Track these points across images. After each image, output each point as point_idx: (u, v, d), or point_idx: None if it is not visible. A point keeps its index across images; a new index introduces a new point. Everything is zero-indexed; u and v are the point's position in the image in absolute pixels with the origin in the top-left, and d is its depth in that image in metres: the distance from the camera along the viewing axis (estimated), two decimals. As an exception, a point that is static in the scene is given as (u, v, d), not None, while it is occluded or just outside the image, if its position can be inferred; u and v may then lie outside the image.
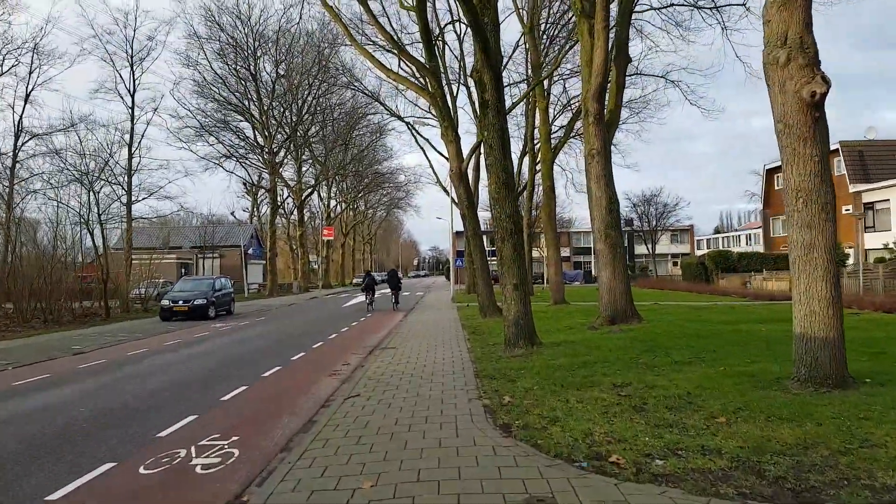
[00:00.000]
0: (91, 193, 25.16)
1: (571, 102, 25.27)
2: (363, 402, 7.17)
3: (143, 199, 34.66)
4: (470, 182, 18.46)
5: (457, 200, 18.35)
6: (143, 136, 38.54)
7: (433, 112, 20.86)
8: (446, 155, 36.93)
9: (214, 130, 40.64)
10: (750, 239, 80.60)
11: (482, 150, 10.04)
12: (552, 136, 22.82)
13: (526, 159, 31.91)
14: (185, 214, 51.38)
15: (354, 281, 66.85)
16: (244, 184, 49.79)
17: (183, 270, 47.84)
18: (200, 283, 24.12)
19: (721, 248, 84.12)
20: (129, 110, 34.27)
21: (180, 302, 22.43)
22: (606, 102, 14.53)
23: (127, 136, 34.17)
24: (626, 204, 59.35)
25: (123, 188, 34.10)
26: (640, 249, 64.04)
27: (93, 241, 24.38)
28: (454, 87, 26.79)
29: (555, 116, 27.27)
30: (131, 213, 34.37)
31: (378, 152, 57.23)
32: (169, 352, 13.72)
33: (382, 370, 9.47)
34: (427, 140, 37.74)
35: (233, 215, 59.49)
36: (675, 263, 64.47)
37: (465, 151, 18.81)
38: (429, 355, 10.87)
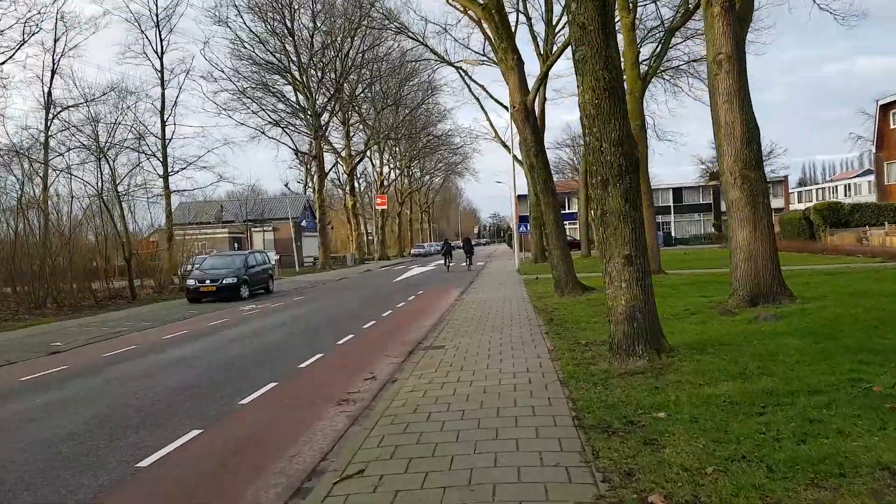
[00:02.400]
0: (106, 164, 22.63)
1: (664, 22, 20.30)
2: (366, 490, 3.58)
3: (181, 169, 32.26)
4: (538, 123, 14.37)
5: (521, 147, 14.29)
6: (175, 102, 35.93)
7: (489, 41, 16.70)
8: (504, 103, 32.53)
9: (254, 95, 37.82)
10: (849, 189, 71.62)
11: (570, 37, 5.93)
12: (640, 63, 18.17)
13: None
14: (236, 188, 49.32)
15: (413, 252, 63.95)
16: (295, 152, 47.19)
17: (235, 245, 46.17)
18: (232, 258, 21.35)
19: (816, 200, 75.42)
20: (159, 74, 31.81)
21: (207, 281, 19.72)
22: (740, -17, 10.02)
23: (158, 104, 31.80)
24: (714, 153, 52.80)
25: (159, 159, 31.94)
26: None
27: (111, 216, 21.93)
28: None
29: (643, 38, 22.27)
30: (169, 185, 32.19)
31: (431, 113, 53.27)
32: (151, 353, 10.65)
33: (417, 399, 5.86)
34: (483, 87, 33.26)
35: (286, 187, 57.48)
36: (766, 221, 57.50)
37: (531, 83, 14.64)
38: (490, 365, 7.15)
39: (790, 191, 69.07)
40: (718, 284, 14.85)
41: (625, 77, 30.10)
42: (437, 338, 9.73)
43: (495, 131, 34.60)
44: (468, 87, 32.00)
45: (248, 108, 38.11)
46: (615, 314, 6.56)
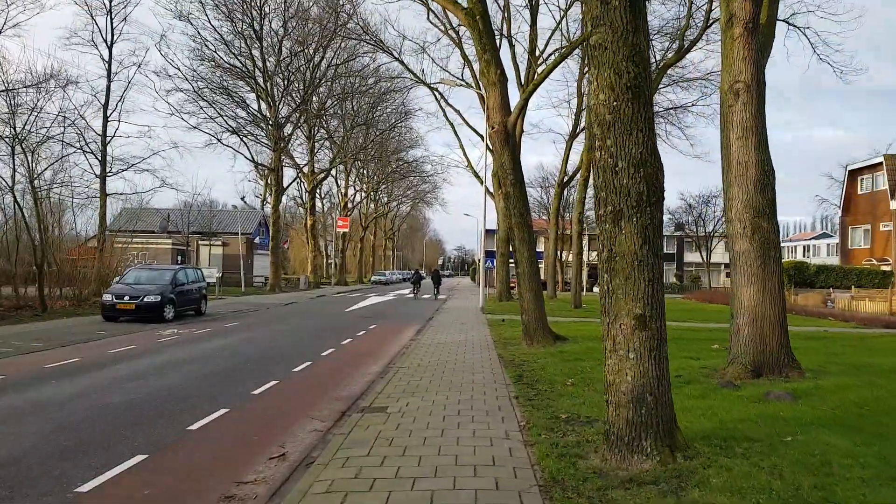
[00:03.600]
0: (23, 155, 19.99)
1: (656, 60, 19.32)
2: None
3: (121, 171, 29.59)
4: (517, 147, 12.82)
5: (498, 173, 12.71)
6: (122, 97, 33.50)
7: (468, 64, 15.24)
8: (480, 131, 31.25)
9: (213, 98, 35.55)
10: (807, 251, 73.09)
11: (585, 15, 4.19)
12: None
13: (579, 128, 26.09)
14: (183, 196, 46.44)
15: (373, 279, 61.68)
16: (254, 164, 44.77)
17: (179, 258, 43.19)
18: (160, 273, 18.91)
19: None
20: (106, 65, 29.32)
21: (126, 298, 17.25)
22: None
23: (102, 96, 29.22)
24: (681, 204, 52.75)
25: (96, 157, 29.24)
26: (691, 257, 57.38)
27: (22, 214, 19.30)
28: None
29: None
30: (105, 187, 29.44)
31: (403, 137, 51.90)
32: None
33: (331, 511, 3.94)
34: (458, 112, 31.92)
35: (243, 200, 54.80)
36: (728, 274, 57.74)
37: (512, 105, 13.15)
38: (443, 450, 5.29)
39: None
40: (701, 343, 13.43)
41: None
42: (381, 394, 7.82)
43: (468, 160, 33.36)
44: (443, 111, 31.01)
45: (205, 112, 35.83)
46: (617, 393, 4.83)
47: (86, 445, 5.65)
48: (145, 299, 17.23)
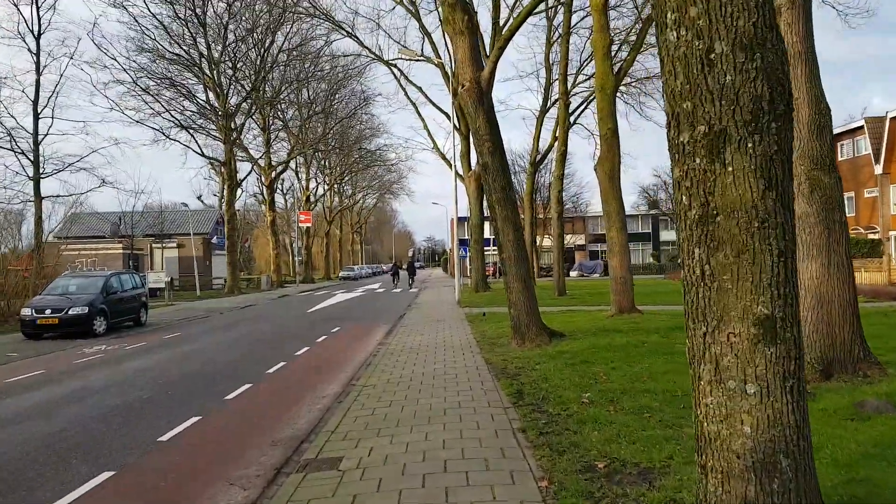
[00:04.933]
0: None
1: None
2: None
3: (57, 171, 26.62)
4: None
5: (473, 140, 10.60)
6: (55, 92, 30.20)
7: (427, 37, 13.02)
8: (444, 109, 28.91)
9: (157, 91, 32.47)
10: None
11: None
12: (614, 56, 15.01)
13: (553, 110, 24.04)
14: (125, 196, 43.30)
15: (341, 275, 59.07)
16: (209, 160, 41.61)
17: (131, 263, 39.96)
18: (88, 281, 16.27)
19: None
20: (34, 57, 26.25)
21: (48, 311, 14.66)
22: None
23: (31, 91, 26.21)
24: (656, 181, 51.37)
25: (28, 157, 26.21)
26: (667, 236, 56.25)
27: None
28: None
29: (615, 36, 19.24)
30: (40, 189, 26.44)
31: (364, 125, 49.30)
32: None
33: None
34: (420, 90, 29.48)
35: (199, 199, 51.52)
36: (705, 252, 56.69)
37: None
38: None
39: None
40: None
41: (586, 80, 27.48)
42: (335, 432, 5.66)
43: (434, 142, 31.10)
44: (404, 90, 28.52)
45: (151, 107, 32.69)
46: (724, 453, 2.77)
47: None
48: (70, 312, 14.65)
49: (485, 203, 31.21)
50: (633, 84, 27.90)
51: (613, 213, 14.19)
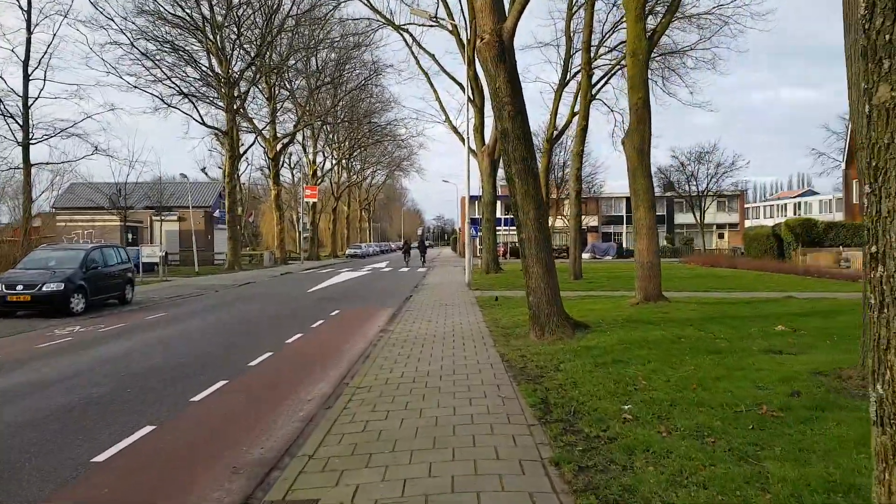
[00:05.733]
0: None
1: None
2: None
3: (47, 137, 25.42)
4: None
5: (492, 103, 9.17)
6: (47, 52, 28.88)
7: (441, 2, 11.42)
8: (458, 79, 27.33)
9: (160, 57, 30.98)
10: (799, 208, 70.99)
11: None
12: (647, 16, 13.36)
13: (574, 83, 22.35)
14: (128, 165, 42.04)
15: (348, 252, 57.93)
16: (207, 128, 40.19)
17: (130, 235, 38.94)
18: (67, 255, 15.09)
19: (764, 218, 74.48)
20: (25, 14, 24.86)
21: (19, 287, 13.51)
22: None
23: (21, 50, 24.89)
24: (673, 163, 49.51)
25: (17, 122, 24.99)
26: (682, 219, 54.50)
27: None
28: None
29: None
30: (29, 156, 25.25)
31: (374, 98, 47.63)
32: None
33: None
34: (433, 57, 27.72)
35: (203, 171, 50.37)
36: (720, 236, 55.10)
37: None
38: None
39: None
40: (755, 323, 10.21)
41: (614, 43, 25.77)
42: (313, 459, 4.41)
43: (445, 114, 29.54)
44: (415, 58, 26.70)
45: (151, 73, 31.25)
46: None
47: None
48: (44, 288, 13.50)
49: (498, 180, 29.79)
50: (657, 58, 26.20)
51: (642, 190, 12.77)
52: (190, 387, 6.93)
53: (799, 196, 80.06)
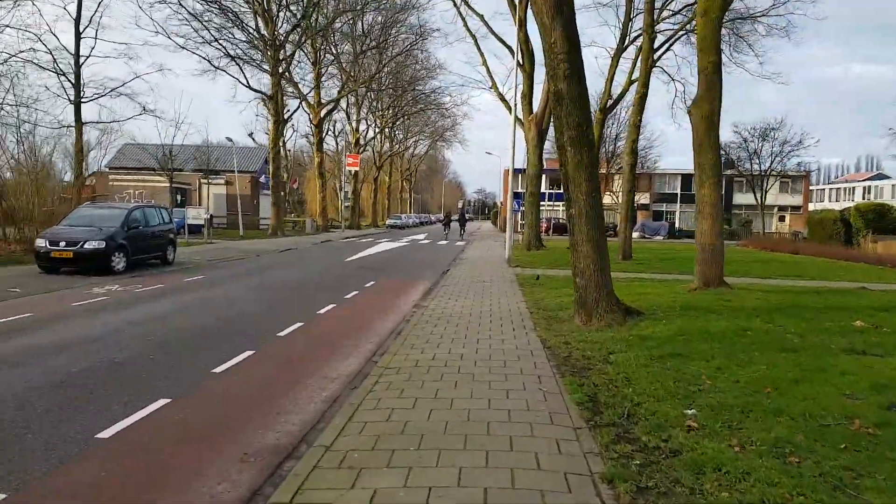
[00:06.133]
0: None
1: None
2: None
3: (99, 96, 25.66)
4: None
5: (545, 60, 8.33)
6: (99, 11, 29.13)
7: None
8: (507, 42, 26.07)
9: (208, 18, 30.82)
10: (868, 192, 66.70)
11: None
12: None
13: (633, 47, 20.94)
14: (173, 125, 42.64)
15: (388, 223, 57.78)
16: (253, 91, 40.06)
17: (178, 197, 39.64)
18: (109, 213, 15.12)
19: (829, 202, 70.37)
20: (76, -30, 24.89)
21: (62, 244, 13.58)
22: None
23: (73, 8, 25.03)
24: (734, 139, 46.65)
25: (70, 80, 25.27)
26: (741, 199, 51.78)
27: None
28: None
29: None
30: (81, 114, 25.60)
31: (419, 66, 46.57)
32: None
33: None
34: (482, 18, 26.48)
35: (251, 136, 50.72)
36: (781, 219, 52.21)
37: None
38: None
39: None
40: (827, 316, 9.17)
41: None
42: (330, 451, 3.91)
43: (492, 80, 28.42)
44: (462, 19, 25.72)
45: (200, 35, 31.18)
46: None
47: None
48: (85, 246, 13.54)
49: (544, 153, 28.65)
50: (726, 23, 24.32)
51: (708, 165, 11.70)
52: (214, 356, 6.57)
53: (868, 179, 75.12)
